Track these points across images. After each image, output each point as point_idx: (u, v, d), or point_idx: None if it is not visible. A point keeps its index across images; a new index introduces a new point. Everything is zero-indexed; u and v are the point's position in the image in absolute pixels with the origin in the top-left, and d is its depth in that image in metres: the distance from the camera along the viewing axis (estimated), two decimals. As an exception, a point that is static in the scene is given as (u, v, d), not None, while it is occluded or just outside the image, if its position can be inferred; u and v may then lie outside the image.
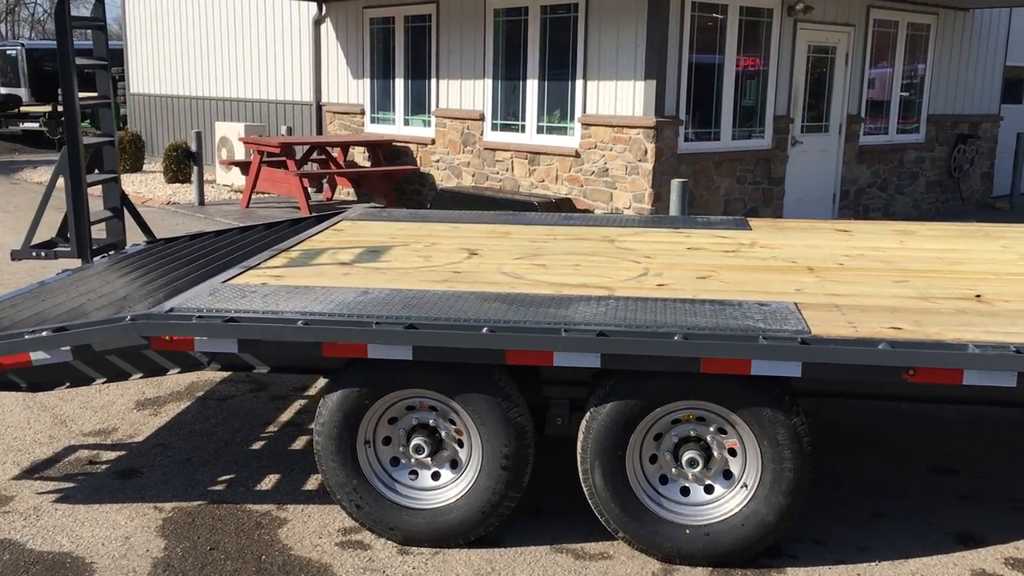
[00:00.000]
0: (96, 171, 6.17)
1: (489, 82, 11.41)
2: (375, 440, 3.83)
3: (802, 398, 3.71)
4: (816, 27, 11.20)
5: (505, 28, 11.19)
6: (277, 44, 14.90)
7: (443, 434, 3.81)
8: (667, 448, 3.66)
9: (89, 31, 6.40)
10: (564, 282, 4.13)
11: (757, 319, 3.50)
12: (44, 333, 3.65)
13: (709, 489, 3.67)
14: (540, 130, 10.96)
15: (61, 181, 5.68)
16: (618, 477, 3.61)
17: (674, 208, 7.40)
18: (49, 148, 22.13)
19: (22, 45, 29.97)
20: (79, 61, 5.68)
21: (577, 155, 10.46)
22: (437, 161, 12.29)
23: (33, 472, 4.52)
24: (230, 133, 14.72)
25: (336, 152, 13.21)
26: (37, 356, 3.70)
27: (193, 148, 13.00)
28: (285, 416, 5.29)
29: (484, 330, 3.44)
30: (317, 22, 13.76)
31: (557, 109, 10.80)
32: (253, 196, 13.07)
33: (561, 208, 10.07)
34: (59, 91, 20.00)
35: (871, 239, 5.20)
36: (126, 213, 6.21)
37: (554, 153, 10.73)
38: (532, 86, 10.94)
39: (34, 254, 5.80)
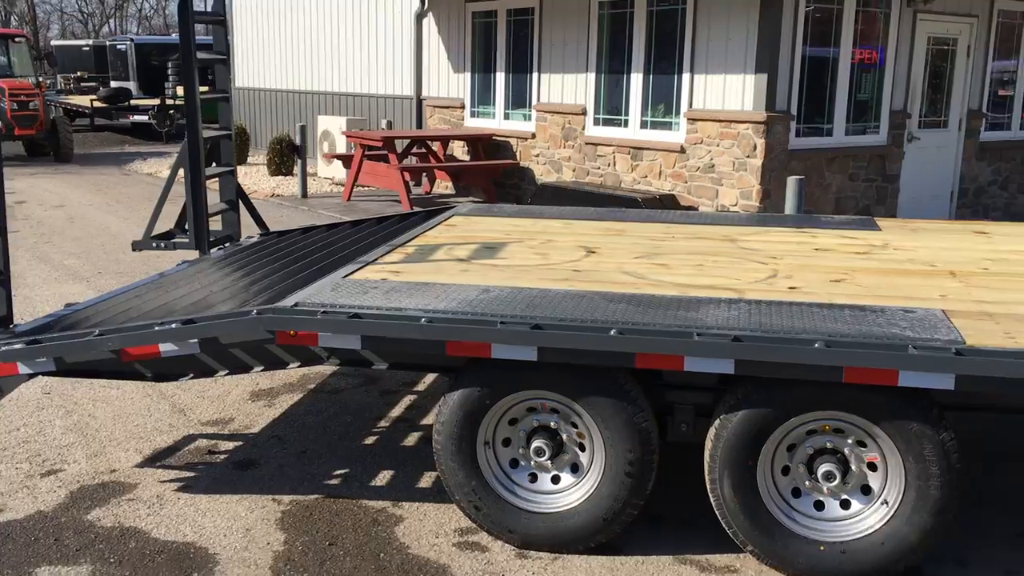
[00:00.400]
0: (213, 164, 6.27)
1: (592, 76, 11.26)
2: (495, 441, 3.77)
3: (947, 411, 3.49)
4: (936, 18, 10.70)
5: (609, 21, 11.03)
6: (379, 39, 15.04)
7: (564, 437, 3.72)
8: (801, 460, 3.50)
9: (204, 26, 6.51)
10: (689, 283, 3.99)
11: (903, 327, 3.30)
12: (173, 325, 3.69)
13: (845, 504, 3.49)
14: (644, 125, 10.77)
15: (175, 173, 5.80)
16: (748, 488, 3.46)
17: (790, 206, 7.14)
18: (156, 140, 22.89)
19: (131, 40, 31.03)
20: (200, 56, 5.78)
21: (682, 150, 10.24)
22: (537, 156, 12.21)
23: (155, 460, 4.60)
24: (332, 127, 14.92)
25: (436, 146, 13.25)
26: (166, 347, 3.74)
27: (297, 142, 13.21)
28: (396, 411, 5.27)
29: (612, 332, 3.33)
30: (419, 16, 13.82)
31: (661, 103, 10.60)
32: (354, 189, 13.22)
33: (665, 205, 9.87)
34: (166, 85, 20.60)
35: (1013, 242, 4.90)
36: (240, 205, 6.30)
37: (658, 148, 10.53)
38: (636, 80, 10.75)
39: (154, 245, 5.93)
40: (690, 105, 10.16)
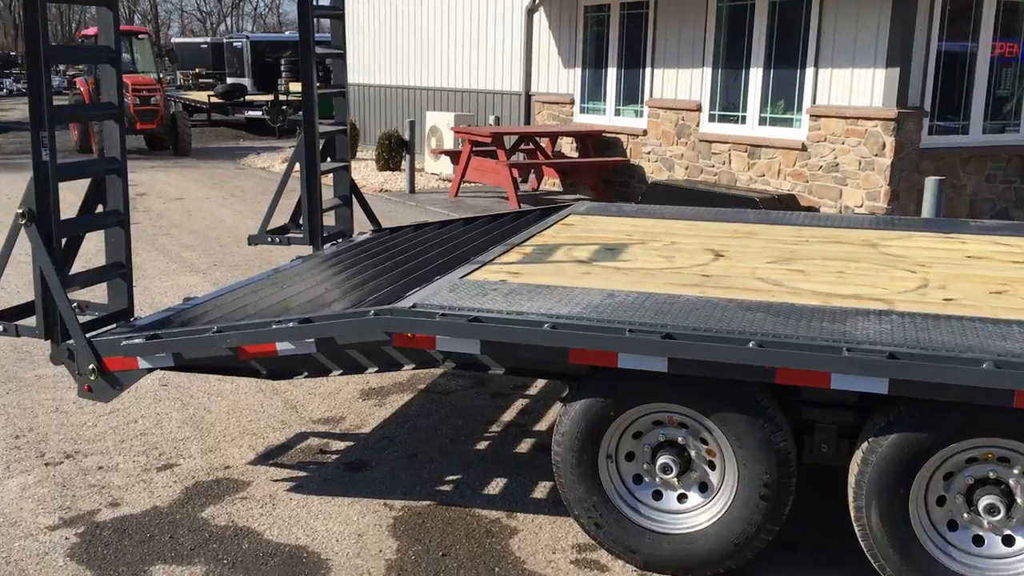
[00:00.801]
0: (328, 159, 6.24)
1: (708, 71, 10.90)
2: (618, 455, 3.56)
3: None
4: (1086, 7, 9.96)
5: (728, 14, 10.65)
6: (489, 34, 14.97)
7: (693, 454, 3.49)
8: (958, 490, 3.18)
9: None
10: (831, 292, 3.69)
11: (1085, 347, 2.95)
12: (290, 324, 3.61)
13: (1009, 541, 3.15)
14: (762, 121, 10.36)
15: (291, 169, 5.78)
16: (899, 518, 3.16)
17: (928, 209, 6.69)
18: (269, 135, 23.43)
19: (247, 38, 31.91)
20: (318, 51, 5.74)
21: (803, 148, 9.80)
22: (648, 153, 11.91)
23: (267, 458, 4.56)
24: (440, 122, 14.93)
25: (544, 142, 13.08)
26: (282, 346, 3.67)
27: (406, 137, 13.24)
28: (507, 416, 5.12)
29: (751, 344, 3.08)
30: (530, 11, 13.68)
31: (782, 99, 10.17)
32: (461, 185, 13.17)
33: (784, 205, 9.44)
34: (279, 81, 20.99)
35: None
36: (353, 201, 6.25)
37: (777, 146, 10.11)
38: (755, 75, 10.35)
39: (269, 240, 5.93)
40: (813, 101, 9.71)
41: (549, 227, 5.15)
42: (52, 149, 3.87)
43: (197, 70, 35.48)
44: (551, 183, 13.73)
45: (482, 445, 4.74)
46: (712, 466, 3.47)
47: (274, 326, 3.65)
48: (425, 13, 16.72)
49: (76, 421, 4.96)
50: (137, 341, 3.82)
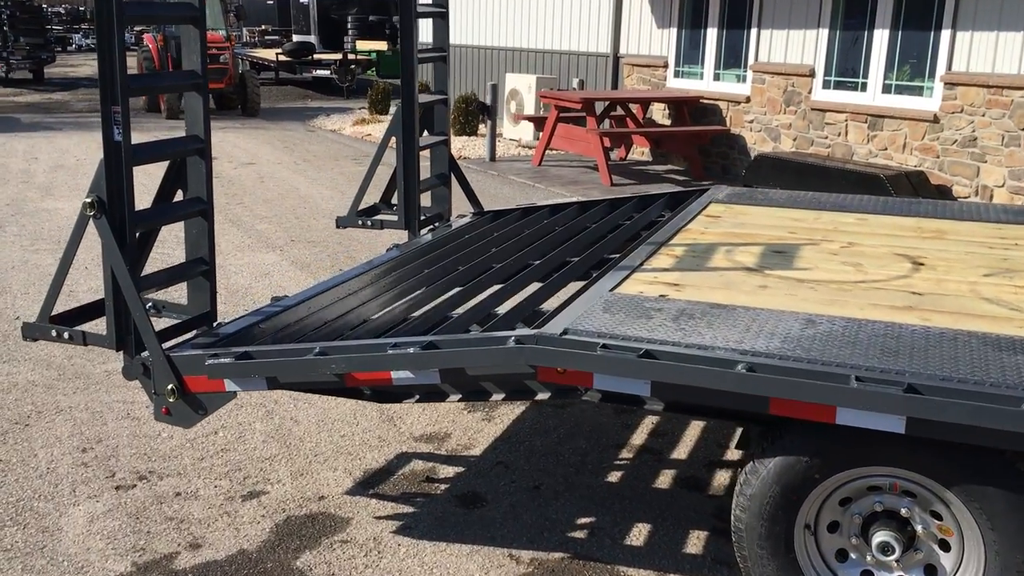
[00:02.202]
0: (425, 132, 5.54)
1: (824, 32, 9.92)
2: (818, 525, 2.84)
3: None
4: None
5: (850, -31, 9.64)
6: (574, -9, 14.07)
7: (919, 530, 2.75)
8: None
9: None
10: (1094, 323, 2.90)
11: None
12: (411, 350, 2.93)
13: None
14: (886, 89, 9.38)
15: (386, 143, 5.09)
16: None
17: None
18: (337, 95, 22.84)
19: (314, -6, 31.21)
20: (420, 8, 5.03)
21: (935, 120, 8.82)
22: (751, 122, 10.98)
23: (367, 486, 3.93)
24: (520, 85, 14.13)
25: (636, 109, 12.20)
26: (400, 375, 3.00)
27: (488, 102, 12.48)
28: (637, 438, 4.42)
29: (1028, 406, 2.32)
30: (621, -34, 12.73)
31: (908, 64, 9.17)
32: (545, 153, 12.39)
33: (912, 184, 8.52)
34: (346, 40, 20.42)
35: None
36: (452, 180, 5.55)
37: (902, 117, 9.14)
38: (880, 37, 9.35)
39: (360, 223, 5.26)
40: (948, 67, 8.71)
41: (692, 220, 4.39)
42: (126, 127, 3.23)
43: (264, 27, 35.06)
44: (640, 152, 12.88)
45: (614, 477, 4.05)
46: (945, 547, 2.73)
47: (390, 350, 2.98)
48: (504, -32, 15.84)
49: (149, 431, 4.39)
50: (225, 361, 3.18)
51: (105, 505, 3.72)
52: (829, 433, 2.66)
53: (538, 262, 4.16)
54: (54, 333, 3.49)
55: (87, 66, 30.17)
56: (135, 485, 3.89)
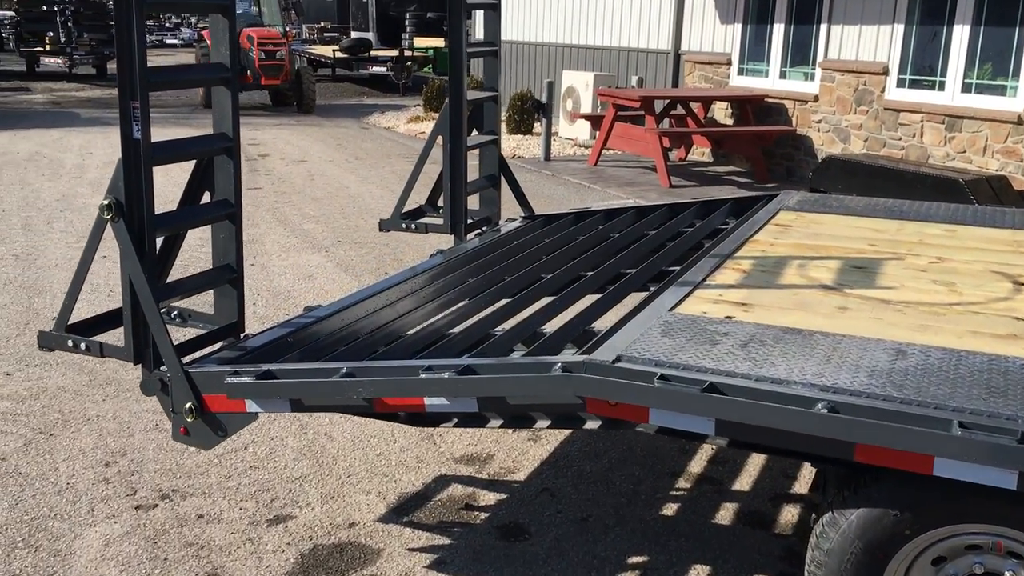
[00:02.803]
0: (474, 131, 5.25)
1: (899, 28, 9.40)
2: (907, 586, 2.48)
3: None
4: None
5: (928, -39, 9.11)
6: (635, -14, 13.66)
7: (1026, 597, 2.37)
8: None
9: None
10: None
11: None
12: (445, 375, 2.64)
13: None
14: (966, 88, 8.84)
15: (432, 142, 4.80)
16: None
17: None
18: (393, 92, 22.71)
19: (373, -10, 31.15)
20: (470, 1, 4.73)
21: (1019, 121, 8.27)
22: (819, 122, 10.49)
23: (401, 512, 3.65)
24: (577, 82, 13.78)
25: (696, 107, 11.77)
26: (434, 401, 2.70)
27: (544, 100, 12.15)
28: (695, 466, 4.07)
29: None
30: (684, -40, 12.30)
31: (991, 62, 8.62)
32: (602, 153, 12.03)
33: (994, 189, 7.99)
34: (403, 36, 20.29)
35: None
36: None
37: (984, 118, 8.60)
38: (960, 33, 8.82)
39: (403, 226, 4.99)
40: (1035, 65, 8.15)
41: (760, 229, 4.02)
42: (145, 125, 2.98)
43: (322, 24, 35.19)
44: (700, 152, 12.44)
45: (669, 509, 3.71)
46: (1057, 619, 2.34)
47: (423, 374, 2.69)
48: (563, -37, 15.49)
49: (176, 444, 4.14)
50: (246, 380, 2.92)
51: (123, 527, 3.49)
52: (924, 485, 2.30)
53: (591, 273, 3.84)
54: (70, 343, 3.27)
55: (150, 60, 30.47)
56: (156, 505, 3.66)
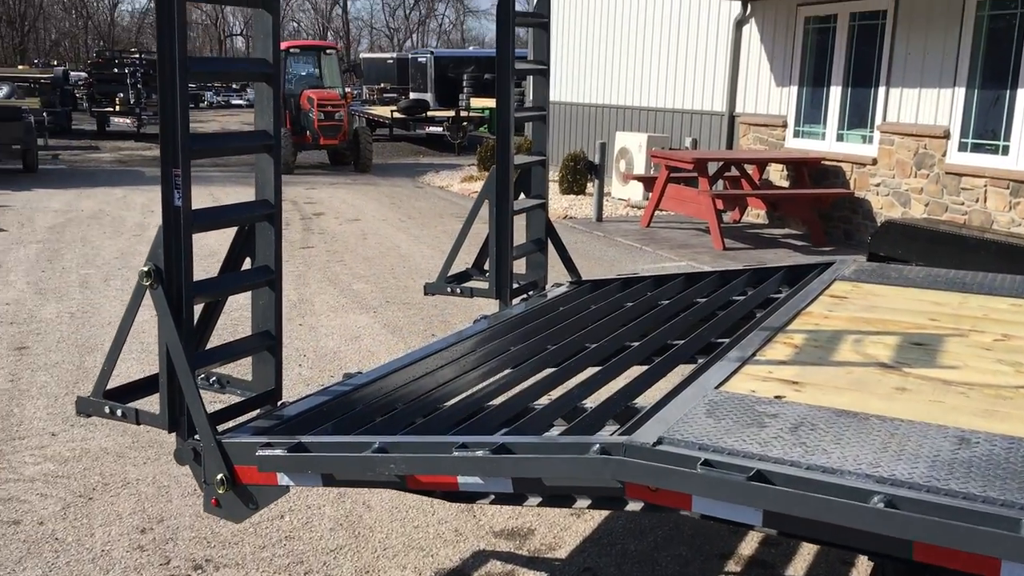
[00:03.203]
0: (521, 195, 5.21)
1: (961, 91, 9.21)
2: None
3: None
4: None
5: (990, 24, 8.95)
6: (689, 48, 13.68)
7: None
8: None
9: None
10: None
11: None
12: (479, 452, 2.54)
13: None
14: (1032, 152, 8.59)
15: (479, 206, 4.76)
16: None
17: None
18: (448, 152, 22.99)
19: (431, 53, 31.88)
20: (519, 66, 4.73)
21: (1089, 187, 8.00)
22: (877, 185, 10.29)
23: (437, 590, 3.53)
24: (631, 143, 13.78)
25: (751, 170, 11.65)
26: (467, 480, 2.60)
27: (596, 161, 12.15)
28: (746, 548, 3.88)
29: None
30: (739, 23, 12.29)
31: (1057, 126, 8.39)
32: (655, 214, 11.94)
33: (1063, 256, 7.67)
34: (460, 97, 20.60)
35: None
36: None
37: (1051, 183, 8.33)
38: (1024, 96, 8.61)
39: (448, 290, 4.94)
40: (1105, 129, 7.90)
41: (814, 300, 3.88)
42: (186, 192, 2.98)
43: (382, 85, 35.93)
44: (755, 214, 12.28)
45: (718, 595, 3.53)
46: None
47: (456, 451, 2.59)
48: (617, 25, 15.61)
49: (214, 511, 4.10)
50: (278, 453, 2.85)
51: (154, 597, 3.43)
52: (991, 589, 2.11)
53: (637, 344, 3.73)
54: (107, 410, 3.25)
55: (216, 122, 31.44)
56: (189, 575, 3.58)
